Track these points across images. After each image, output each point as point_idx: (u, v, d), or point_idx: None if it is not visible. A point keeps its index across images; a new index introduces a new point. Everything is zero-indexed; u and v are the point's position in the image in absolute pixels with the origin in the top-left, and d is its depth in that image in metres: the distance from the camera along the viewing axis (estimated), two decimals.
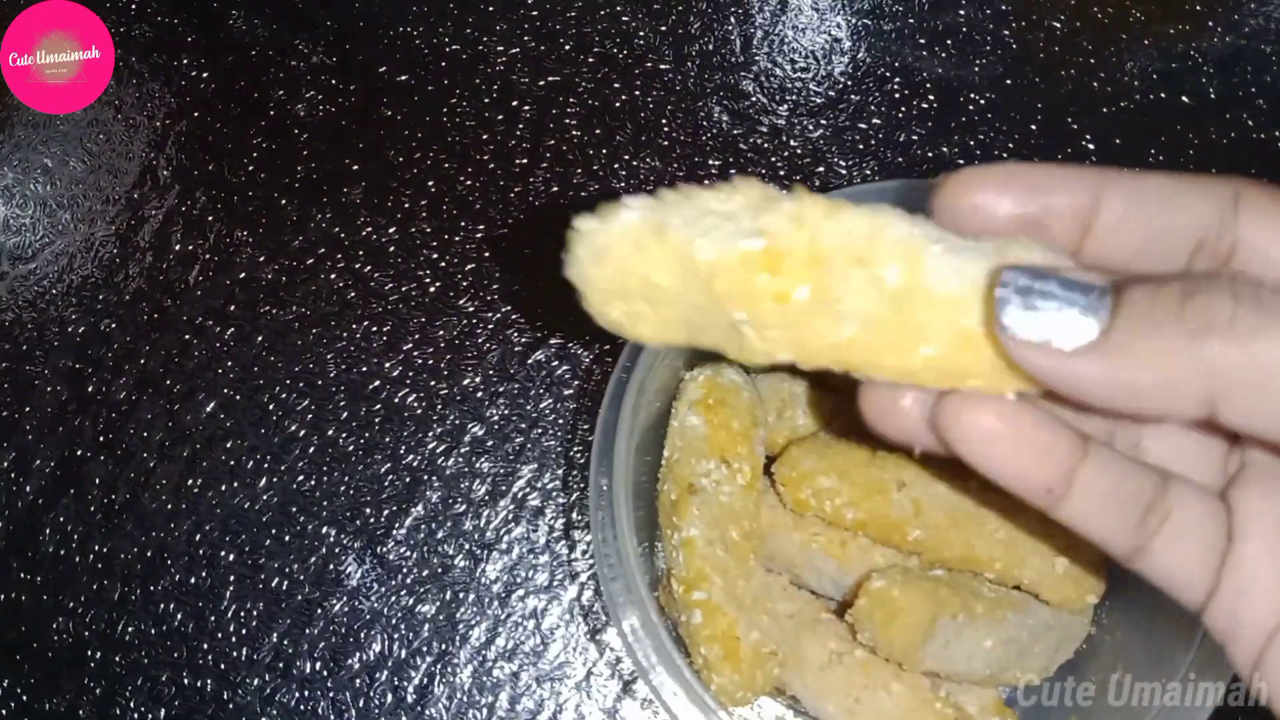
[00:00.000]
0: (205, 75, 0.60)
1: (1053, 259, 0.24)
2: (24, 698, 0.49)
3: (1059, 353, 0.22)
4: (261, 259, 0.56)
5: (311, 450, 0.52)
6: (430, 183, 0.57)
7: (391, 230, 0.56)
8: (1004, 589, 0.41)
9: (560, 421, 0.53)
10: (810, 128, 0.57)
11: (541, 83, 0.58)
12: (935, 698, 0.40)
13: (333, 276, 0.55)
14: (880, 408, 0.27)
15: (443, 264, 0.55)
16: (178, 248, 0.56)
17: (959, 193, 0.25)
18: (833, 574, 0.42)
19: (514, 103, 0.58)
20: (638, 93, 0.58)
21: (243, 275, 0.55)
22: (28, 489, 0.52)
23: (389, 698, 0.49)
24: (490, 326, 0.54)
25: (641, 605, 0.37)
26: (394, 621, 0.50)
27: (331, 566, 0.50)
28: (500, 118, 0.58)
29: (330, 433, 0.52)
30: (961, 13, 0.59)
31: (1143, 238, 0.25)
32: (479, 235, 0.56)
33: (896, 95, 0.58)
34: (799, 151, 0.57)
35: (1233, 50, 0.58)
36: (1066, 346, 0.22)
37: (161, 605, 0.50)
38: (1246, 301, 0.21)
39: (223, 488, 0.52)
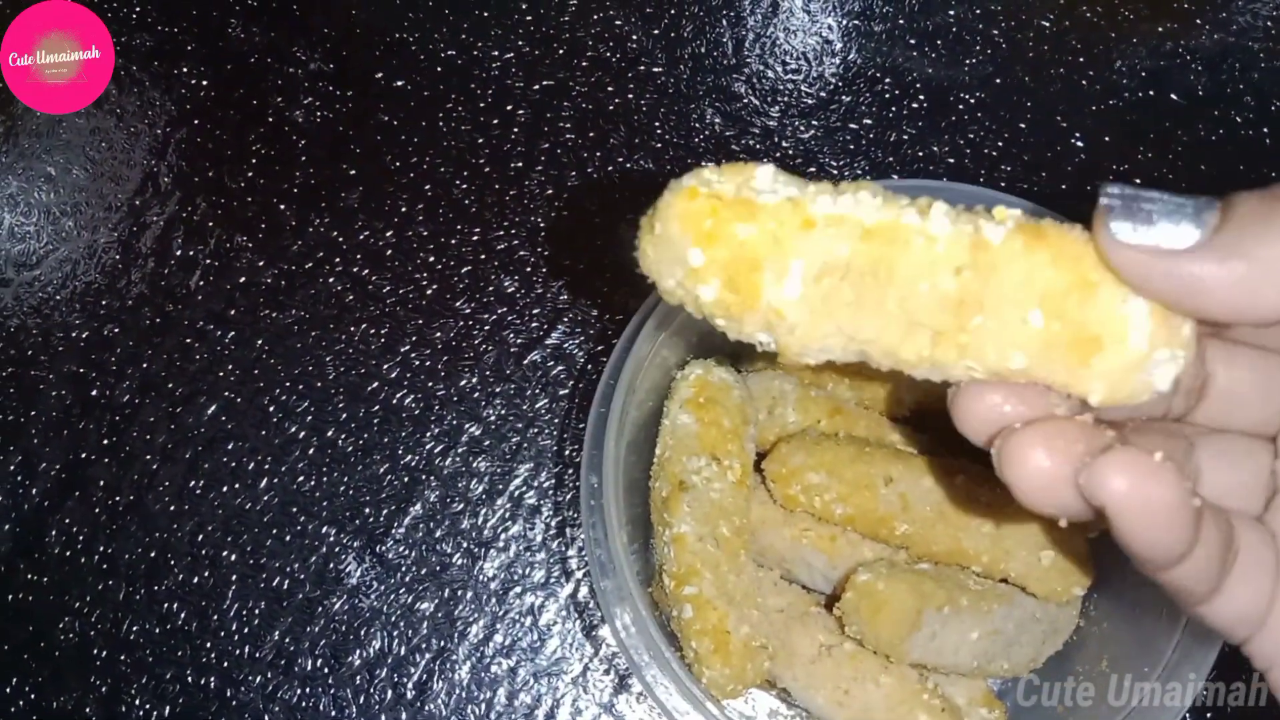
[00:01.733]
0: (205, 83, 0.61)
1: None
2: (32, 696, 0.50)
3: (1170, 253, 0.22)
4: (261, 263, 0.56)
5: (311, 451, 0.53)
6: (426, 187, 0.57)
7: (389, 234, 0.57)
8: (991, 582, 0.41)
9: (556, 421, 0.53)
10: (802, 129, 0.58)
11: (536, 87, 0.59)
12: (923, 689, 0.40)
13: (331, 280, 0.56)
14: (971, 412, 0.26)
15: (439, 267, 0.56)
16: (179, 253, 0.57)
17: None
18: (822, 568, 0.43)
19: (509, 107, 0.59)
20: (631, 96, 0.59)
21: (243, 280, 0.56)
22: (34, 492, 0.53)
23: (389, 694, 0.49)
24: (486, 328, 0.55)
25: (632, 601, 0.38)
26: (393, 619, 0.50)
27: (331, 565, 0.51)
28: (495, 122, 0.59)
29: (329, 434, 0.53)
30: (951, 13, 0.60)
31: None
32: (475, 238, 0.56)
33: (887, 95, 0.58)
34: (791, 152, 0.57)
35: (1221, 48, 0.59)
36: (1177, 246, 0.22)
37: (165, 605, 0.51)
38: None
39: (224, 489, 0.53)
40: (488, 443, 0.53)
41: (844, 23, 0.60)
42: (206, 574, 0.51)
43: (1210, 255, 0.22)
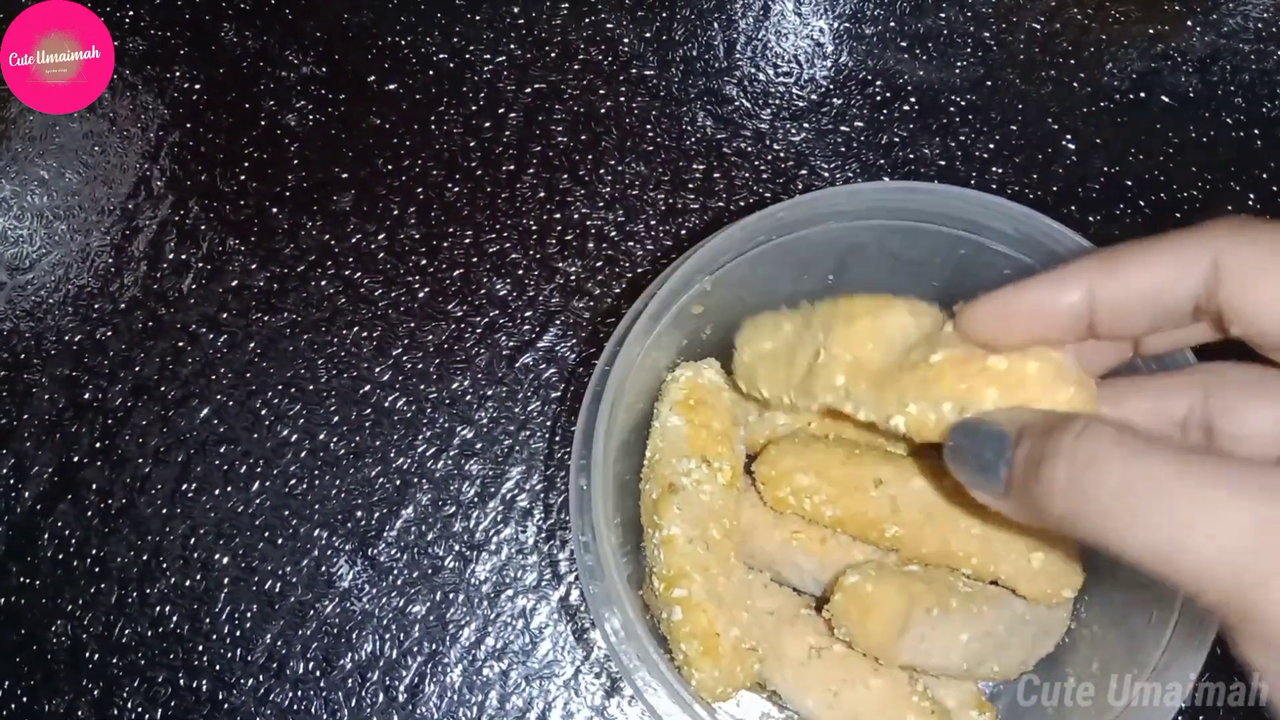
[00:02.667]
0: (197, 87, 0.61)
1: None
2: (24, 699, 0.50)
3: (989, 497, 0.29)
4: (253, 267, 0.57)
5: (303, 454, 0.53)
6: (419, 190, 0.57)
7: (381, 237, 0.57)
8: (980, 584, 0.41)
9: (547, 424, 0.53)
10: (793, 131, 0.58)
11: (528, 90, 0.59)
12: (913, 691, 0.40)
13: (323, 283, 0.56)
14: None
15: (431, 270, 0.56)
16: (171, 257, 0.57)
17: (973, 335, 0.31)
18: (813, 570, 0.43)
19: (501, 110, 0.59)
20: (623, 99, 0.59)
21: (235, 283, 0.56)
22: (26, 495, 0.53)
23: (381, 697, 0.49)
24: (478, 331, 0.55)
25: (621, 605, 0.38)
26: (385, 622, 0.50)
27: (324, 569, 0.51)
28: (487, 125, 0.59)
29: (321, 437, 0.53)
30: (942, 16, 0.60)
31: (1143, 316, 0.28)
32: (467, 241, 0.56)
33: (878, 98, 0.59)
34: (782, 155, 0.57)
35: (1211, 49, 0.59)
36: (989, 493, 0.29)
37: (157, 608, 0.51)
38: (1078, 467, 0.25)
39: (216, 492, 0.53)
40: (479, 445, 0.53)
41: (835, 26, 0.60)
42: (198, 577, 0.51)
43: (1007, 503, 0.28)
